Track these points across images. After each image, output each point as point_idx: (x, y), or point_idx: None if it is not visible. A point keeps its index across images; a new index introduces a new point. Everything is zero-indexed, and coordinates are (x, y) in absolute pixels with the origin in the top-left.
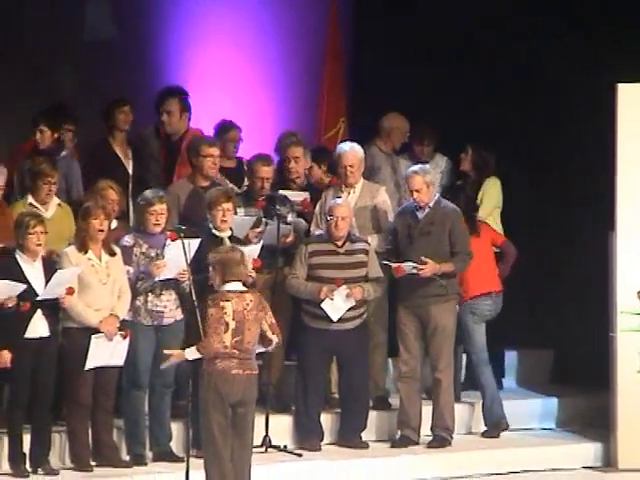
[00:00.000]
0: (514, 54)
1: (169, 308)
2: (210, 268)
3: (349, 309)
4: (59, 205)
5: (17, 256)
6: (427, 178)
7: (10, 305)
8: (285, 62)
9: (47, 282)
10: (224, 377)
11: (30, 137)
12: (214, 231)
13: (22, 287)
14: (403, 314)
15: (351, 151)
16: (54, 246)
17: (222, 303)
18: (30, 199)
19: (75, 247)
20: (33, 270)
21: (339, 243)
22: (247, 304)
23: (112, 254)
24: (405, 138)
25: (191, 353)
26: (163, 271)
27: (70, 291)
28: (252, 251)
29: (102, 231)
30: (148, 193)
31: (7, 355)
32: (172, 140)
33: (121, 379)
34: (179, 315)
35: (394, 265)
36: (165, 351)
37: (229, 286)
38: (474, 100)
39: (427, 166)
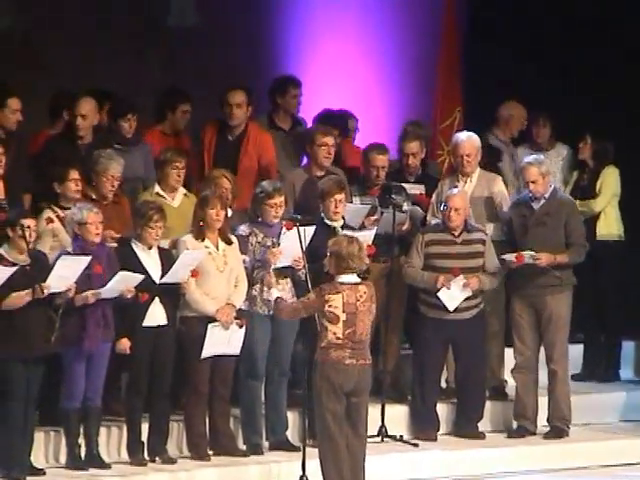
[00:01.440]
0: (634, 38)
1: (285, 297)
2: (327, 255)
3: (465, 299)
4: (185, 195)
5: (133, 245)
6: (542, 169)
7: (129, 296)
8: (400, 53)
9: (164, 270)
10: (337, 367)
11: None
12: (326, 221)
13: (140, 278)
14: (518, 304)
15: (468, 140)
16: (177, 235)
17: (327, 296)
18: (157, 188)
19: (192, 235)
20: (150, 259)
21: (456, 233)
22: (360, 296)
23: (229, 243)
24: (523, 126)
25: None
26: (279, 259)
27: (195, 274)
28: (366, 237)
29: (219, 220)
30: (266, 184)
31: (126, 343)
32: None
33: (238, 368)
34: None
35: (513, 255)
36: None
37: (343, 278)
38: (592, 87)
39: (542, 157)
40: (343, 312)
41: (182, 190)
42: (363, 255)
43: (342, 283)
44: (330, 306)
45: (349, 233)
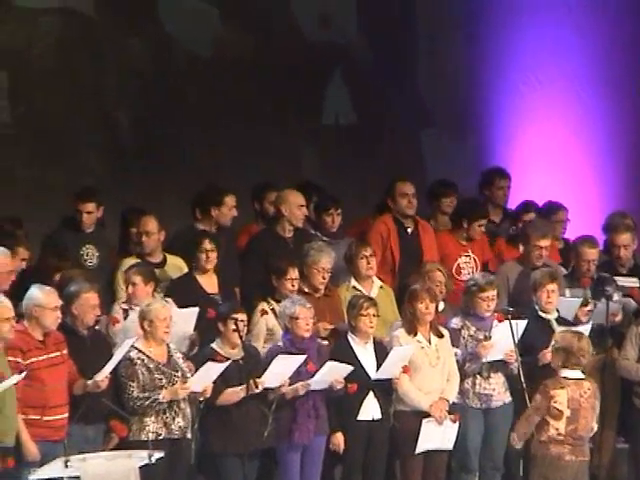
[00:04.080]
0: None
1: (497, 390)
2: (552, 348)
3: None
4: (381, 287)
5: (349, 338)
6: None
7: (338, 387)
8: (612, 138)
9: (378, 364)
10: (556, 464)
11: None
12: (540, 312)
13: (350, 369)
14: None
15: None
16: (377, 329)
17: (552, 392)
18: (353, 282)
19: (404, 330)
20: (365, 352)
21: None
22: (584, 392)
23: (440, 336)
24: None
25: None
26: (490, 352)
27: (406, 369)
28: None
29: (429, 314)
30: (479, 277)
31: (340, 437)
32: None
33: (450, 462)
34: (507, 398)
35: None
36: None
37: (567, 372)
38: None
39: None
40: (568, 408)
41: (378, 282)
42: (590, 351)
43: (566, 378)
44: (555, 402)
45: (572, 328)
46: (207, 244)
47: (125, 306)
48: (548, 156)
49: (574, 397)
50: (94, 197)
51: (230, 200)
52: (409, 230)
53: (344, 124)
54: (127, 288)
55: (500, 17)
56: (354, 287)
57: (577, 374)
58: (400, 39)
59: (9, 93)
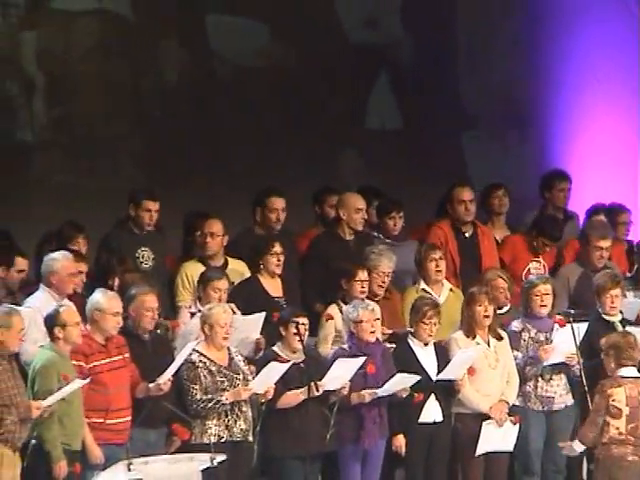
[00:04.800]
0: None
1: (559, 393)
2: (602, 353)
3: None
4: (451, 290)
5: (410, 341)
6: None
7: (404, 395)
8: None
9: (439, 367)
10: (619, 464)
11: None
12: (604, 316)
13: (417, 379)
14: None
15: None
16: (445, 332)
17: (609, 390)
18: (422, 284)
19: (463, 333)
20: (426, 355)
21: None
22: None
23: (499, 338)
24: None
25: (577, 445)
26: (551, 356)
27: (471, 371)
28: None
29: (487, 317)
30: (533, 276)
31: (402, 440)
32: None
33: (513, 465)
34: (570, 400)
35: None
36: (560, 443)
37: (623, 371)
38: None
39: None
40: (626, 406)
41: (448, 285)
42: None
43: (623, 377)
44: (613, 400)
45: (633, 329)
46: (277, 247)
47: (193, 309)
48: (608, 155)
49: (632, 395)
50: (157, 196)
51: (277, 202)
52: (467, 235)
53: (390, 128)
54: (207, 293)
55: (548, 15)
56: (423, 289)
57: (633, 372)
58: (445, 40)
59: (45, 95)
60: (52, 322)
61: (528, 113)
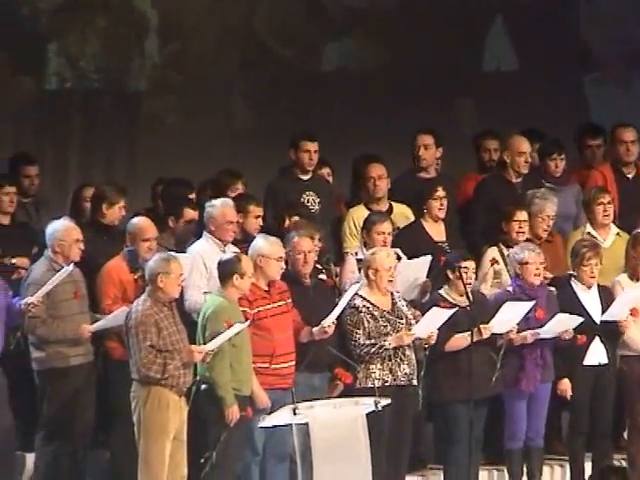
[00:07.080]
0: None
1: None
2: None
3: None
4: (618, 234)
5: (573, 284)
6: None
7: (567, 337)
8: None
9: (603, 309)
10: None
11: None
12: None
13: (579, 320)
14: None
15: None
16: (610, 276)
17: None
18: (589, 228)
19: (627, 275)
20: (590, 298)
21: None
22: None
23: None
24: None
25: None
26: None
27: (635, 312)
28: None
29: None
30: None
31: (567, 384)
32: None
33: None
34: None
35: None
36: None
37: None
38: None
39: None
40: None
41: (614, 229)
42: None
43: None
44: None
45: None
46: (441, 191)
47: (360, 256)
48: None
49: None
50: (315, 137)
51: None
52: (629, 176)
53: (505, 70)
54: (372, 237)
55: None
56: (589, 233)
57: None
58: None
59: (159, 31)
60: (231, 270)
61: None
